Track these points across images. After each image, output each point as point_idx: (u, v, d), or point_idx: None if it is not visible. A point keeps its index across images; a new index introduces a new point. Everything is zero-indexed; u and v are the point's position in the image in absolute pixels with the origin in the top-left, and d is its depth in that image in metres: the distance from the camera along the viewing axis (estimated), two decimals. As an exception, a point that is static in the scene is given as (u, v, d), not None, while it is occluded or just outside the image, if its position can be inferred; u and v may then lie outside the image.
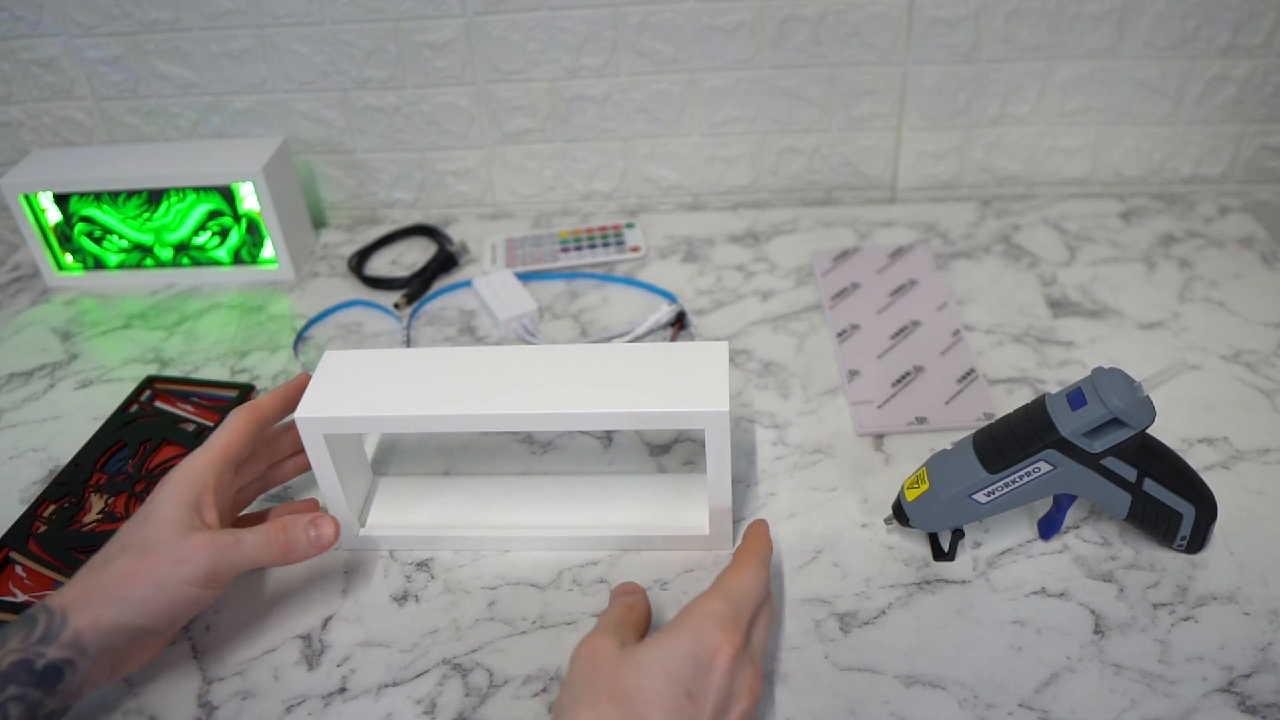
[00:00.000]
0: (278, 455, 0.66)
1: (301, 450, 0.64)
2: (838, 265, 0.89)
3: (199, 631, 0.61)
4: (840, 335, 0.81)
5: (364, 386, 0.61)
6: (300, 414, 0.59)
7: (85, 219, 0.92)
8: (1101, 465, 0.57)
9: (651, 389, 0.59)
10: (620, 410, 0.58)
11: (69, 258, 0.95)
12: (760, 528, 0.58)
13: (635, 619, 0.53)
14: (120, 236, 0.93)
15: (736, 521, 0.66)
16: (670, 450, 0.72)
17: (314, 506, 0.65)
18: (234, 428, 0.59)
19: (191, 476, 0.57)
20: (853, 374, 0.77)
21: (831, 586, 0.61)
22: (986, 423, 0.62)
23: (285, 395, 0.62)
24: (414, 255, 0.97)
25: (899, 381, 0.76)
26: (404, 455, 0.73)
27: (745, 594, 0.51)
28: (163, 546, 0.53)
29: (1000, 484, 0.58)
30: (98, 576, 0.52)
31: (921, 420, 0.72)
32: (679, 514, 0.65)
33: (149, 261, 0.94)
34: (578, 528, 0.65)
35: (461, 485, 0.70)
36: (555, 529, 0.65)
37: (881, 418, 0.73)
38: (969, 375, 0.75)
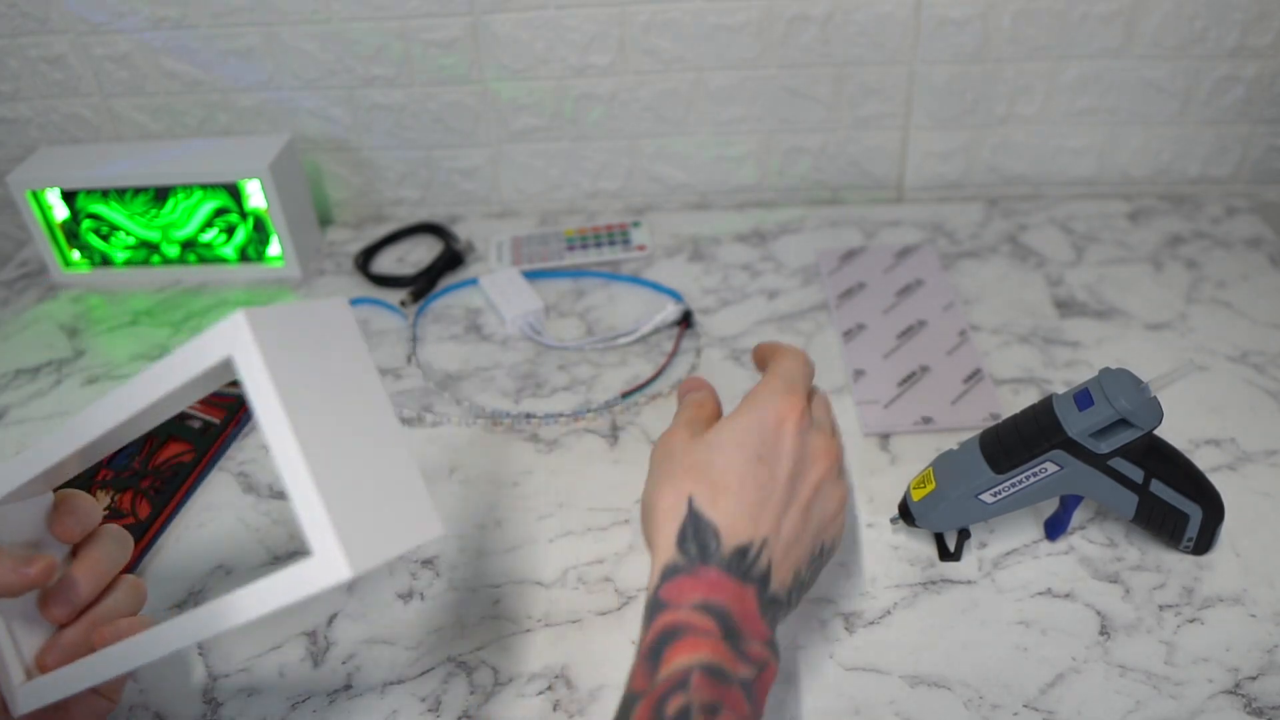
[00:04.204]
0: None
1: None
2: (844, 265, 0.89)
3: (205, 628, 0.61)
4: (846, 335, 0.81)
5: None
6: None
7: (92, 216, 0.92)
8: (1108, 466, 0.57)
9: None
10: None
11: (76, 254, 0.95)
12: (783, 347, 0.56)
13: (706, 415, 0.54)
14: (127, 233, 0.93)
15: None
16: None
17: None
18: None
19: None
20: (858, 373, 0.77)
21: (837, 586, 0.61)
22: (993, 423, 0.62)
23: None
24: (420, 253, 0.97)
25: (905, 381, 0.76)
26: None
27: (795, 372, 0.52)
28: None
29: (1007, 484, 0.58)
30: None
31: (927, 420, 0.72)
32: None
33: (156, 258, 0.95)
34: None
35: None
36: None
37: (887, 417, 0.73)
38: (975, 375, 0.75)
